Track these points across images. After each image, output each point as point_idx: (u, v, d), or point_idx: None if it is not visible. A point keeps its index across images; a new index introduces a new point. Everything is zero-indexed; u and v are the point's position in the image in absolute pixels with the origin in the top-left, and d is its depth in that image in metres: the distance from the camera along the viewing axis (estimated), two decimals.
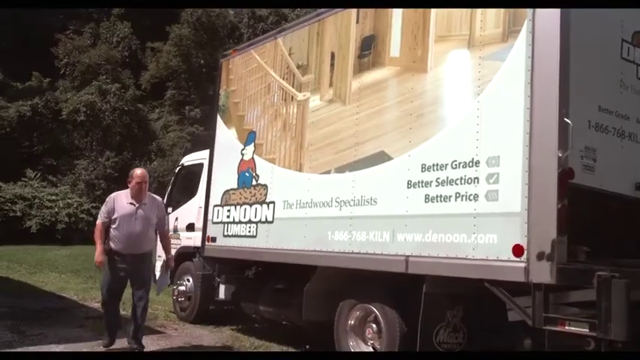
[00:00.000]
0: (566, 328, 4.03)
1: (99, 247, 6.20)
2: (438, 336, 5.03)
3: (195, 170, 9.27)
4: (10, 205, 23.37)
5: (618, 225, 4.83)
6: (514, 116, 4.42)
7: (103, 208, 6.41)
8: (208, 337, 7.84)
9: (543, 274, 4.12)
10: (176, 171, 10.26)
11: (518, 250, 4.28)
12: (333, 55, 6.23)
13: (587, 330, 3.92)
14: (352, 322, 5.87)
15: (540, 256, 4.16)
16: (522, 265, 4.23)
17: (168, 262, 6.77)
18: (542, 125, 4.28)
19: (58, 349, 6.37)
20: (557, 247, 4.10)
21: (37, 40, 30.14)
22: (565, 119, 4.20)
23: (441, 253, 4.81)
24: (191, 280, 8.86)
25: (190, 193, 9.25)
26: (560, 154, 4.18)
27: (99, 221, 6.36)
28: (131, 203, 6.31)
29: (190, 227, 8.95)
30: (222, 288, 8.16)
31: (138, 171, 6.50)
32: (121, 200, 6.37)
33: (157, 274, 7.63)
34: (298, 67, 6.67)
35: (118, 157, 27.48)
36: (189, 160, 9.92)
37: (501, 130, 4.52)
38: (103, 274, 6.63)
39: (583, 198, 4.57)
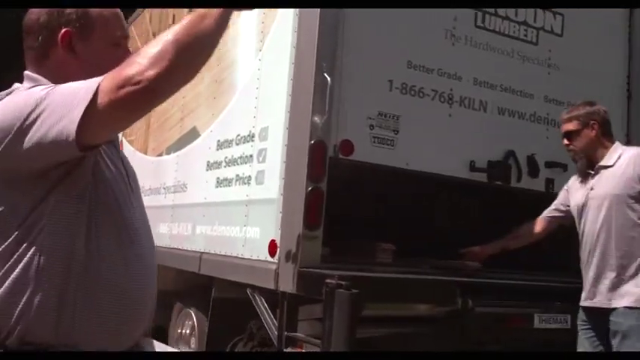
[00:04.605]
0: (304, 350, 3.02)
1: None
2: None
3: None
4: None
5: (444, 215, 3.74)
6: (281, 74, 3.42)
7: None
8: None
9: (287, 279, 3.12)
10: None
11: (272, 248, 3.29)
12: (174, 18, 5.35)
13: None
14: (180, 330, 4.99)
15: (288, 257, 3.16)
16: (274, 267, 3.25)
17: None
18: (299, 84, 3.27)
19: None
20: (303, 245, 3.08)
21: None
22: (324, 74, 3.18)
23: (223, 251, 3.87)
24: None
25: None
26: (318, 120, 3.16)
27: None
28: None
29: None
30: None
31: None
32: None
33: None
34: (154, 34, 5.83)
35: None
36: None
37: (272, 92, 3.53)
38: None
39: (384, 180, 3.53)
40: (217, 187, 4.05)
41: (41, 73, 1.41)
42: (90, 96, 1.21)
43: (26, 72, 1.44)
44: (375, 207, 3.67)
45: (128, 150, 6.11)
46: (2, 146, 1.24)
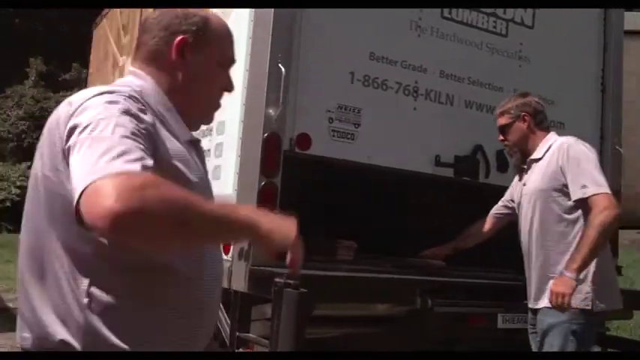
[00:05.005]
0: (254, 350, 2.91)
1: None
2: None
3: None
4: None
5: (408, 212, 3.63)
6: (237, 65, 3.27)
7: None
8: None
9: (239, 278, 3.01)
10: None
11: (226, 246, 3.17)
12: (141, 11, 5.21)
13: None
14: None
15: (240, 255, 3.04)
16: (227, 265, 3.12)
17: None
18: (254, 75, 3.15)
19: None
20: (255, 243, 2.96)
21: (83, 31, 30.24)
22: (279, 65, 3.06)
23: None
24: None
25: None
26: (272, 113, 3.04)
27: None
28: None
29: None
30: None
31: None
32: None
33: None
34: (123, 27, 5.70)
35: None
36: None
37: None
38: None
39: (344, 175, 3.42)
40: None
41: (147, 71, 1.43)
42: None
43: (132, 68, 1.46)
44: (336, 203, 3.56)
45: None
46: None
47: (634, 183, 12.02)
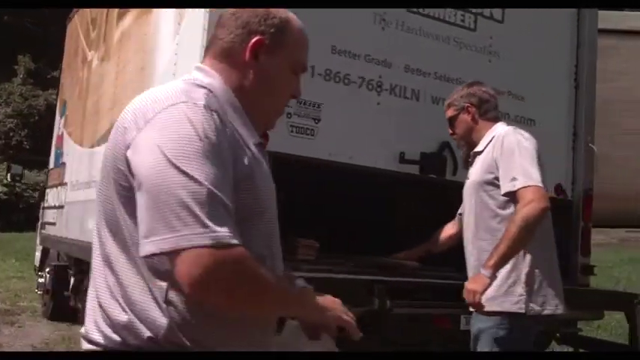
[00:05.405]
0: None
1: None
2: None
3: None
4: (30, 192, 23.20)
5: (372, 210, 3.53)
6: (193, 58, 3.16)
7: None
8: (44, 335, 6.91)
9: None
10: None
11: None
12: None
13: None
14: None
15: None
16: None
17: None
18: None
19: None
20: None
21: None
22: None
23: None
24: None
25: None
26: None
27: None
28: None
29: None
30: (71, 281, 7.22)
31: None
32: None
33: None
34: (92, 21, 5.59)
35: None
36: None
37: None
38: None
39: (304, 172, 3.32)
40: None
41: (217, 68, 1.36)
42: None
43: (201, 65, 1.39)
44: (295, 201, 3.45)
45: (67, 140, 5.88)
46: None
47: (622, 183, 12.05)
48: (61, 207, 5.75)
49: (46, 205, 6.66)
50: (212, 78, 1.34)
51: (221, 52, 1.38)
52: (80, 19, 6.05)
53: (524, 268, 2.62)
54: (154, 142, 1.16)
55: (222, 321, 1.26)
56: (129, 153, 1.19)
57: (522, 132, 2.76)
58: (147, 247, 1.13)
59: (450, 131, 2.97)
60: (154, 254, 1.13)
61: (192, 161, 1.14)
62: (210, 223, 1.11)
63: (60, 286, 7.54)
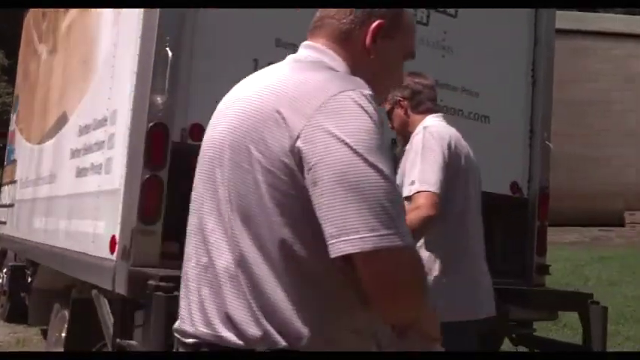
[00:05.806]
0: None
1: None
2: None
3: None
4: None
5: None
6: (129, 50, 3.06)
7: None
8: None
9: (121, 280, 2.77)
10: None
11: (113, 245, 2.94)
12: None
13: None
14: (57, 332, 4.60)
15: (123, 254, 2.80)
16: (112, 265, 2.89)
17: None
18: (142, 60, 2.91)
19: None
20: (138, 241, 2.73)
21: None
22: (166, 49, 2.82)
23: (79, 247, 3.49)
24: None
25: None
26: (158, 101, 2.80)
27: None
28: None
29: None
30: (29, 282, 7.01)
31: None
32: None
33: None
34: (43, 13, 5.41)
35: None
36: None
37: (122, 70, 3.17)
38: None
39: None
40: (77, 177, 3.67)
41: (332, 47, 1.28)
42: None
43: (312, 42, 1.31)
44: None
45: (17, 137, 5.70)
46: None
47: (598, 182, 12.12)
48: (11, 205, 5.56)
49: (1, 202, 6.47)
50: (337, 62, 1.27)
51: (339, 34, 1.30)
52: (34, 11, 5.87)
53: (434, 275, 2.48)
54: (334, 132, 1.07)
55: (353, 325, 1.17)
56: (299, 144, 1.09)
57: (435, 130, 2.59)
58: (341, 246, 1.03)
59: (390, 126, 2.85)
60: (350, 254, 1.03)
61: (377, 155, 1.07)
62: (400, 223, 1.07)
63: (17, 287, 7.36)
